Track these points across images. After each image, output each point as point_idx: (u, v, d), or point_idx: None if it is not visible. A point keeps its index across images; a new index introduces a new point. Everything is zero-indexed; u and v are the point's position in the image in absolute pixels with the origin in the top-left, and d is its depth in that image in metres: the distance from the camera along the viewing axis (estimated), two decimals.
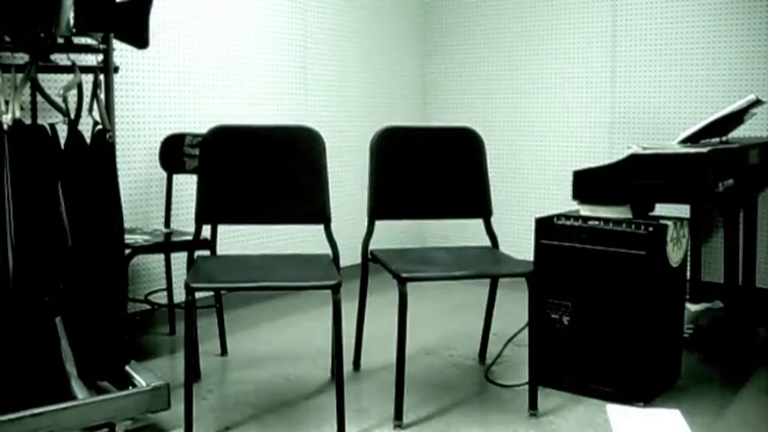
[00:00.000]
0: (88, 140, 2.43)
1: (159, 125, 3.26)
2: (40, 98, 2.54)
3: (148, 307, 3.21)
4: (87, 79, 2.50)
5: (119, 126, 3.13)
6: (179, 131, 3.13)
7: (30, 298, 2.29)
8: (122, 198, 3.15)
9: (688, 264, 2.77)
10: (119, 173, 3.11)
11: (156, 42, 3.24)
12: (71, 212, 2.36)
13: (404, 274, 2.29)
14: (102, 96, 2.45)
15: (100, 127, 2.41)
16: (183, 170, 3.05)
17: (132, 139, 3.20)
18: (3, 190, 2.24)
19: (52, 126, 2.36)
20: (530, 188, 4.33)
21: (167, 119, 3.32)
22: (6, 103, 2.27)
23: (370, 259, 2.61)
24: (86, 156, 2.41)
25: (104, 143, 2.41)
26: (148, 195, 3.27)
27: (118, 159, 3.13)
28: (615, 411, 2.41)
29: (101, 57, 2.47)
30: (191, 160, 3.02)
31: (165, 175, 3.10)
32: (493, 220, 2.76)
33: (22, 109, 2.34)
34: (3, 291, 2.24)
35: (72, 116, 2.44)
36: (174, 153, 3.06)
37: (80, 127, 2.42)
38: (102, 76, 2.47)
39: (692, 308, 3.19)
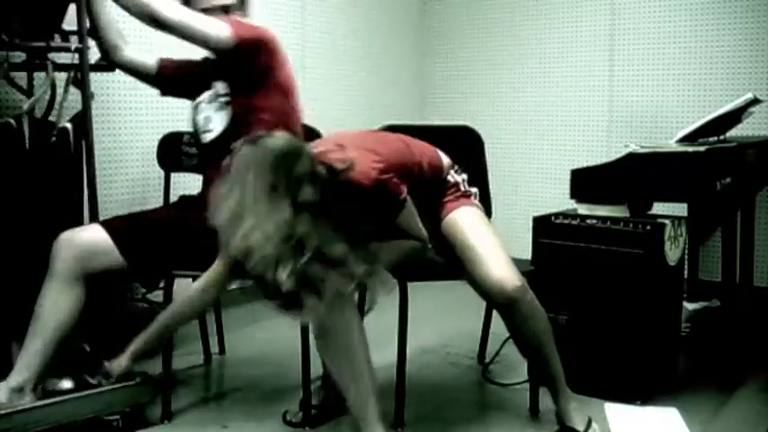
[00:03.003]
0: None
1: (156, 123, 3.25)
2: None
3: (146, 305, 3.20)
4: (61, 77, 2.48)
5: (116, 124, 3.13)
6: (176, 130, 3.12)
7: (12, 293, 2.28)
8: (120, 196, 3.15)
9: (686, 262, 2.78)
10: (117, 171, 3.11)
11: (153, 40, 3.23)
12: (41, 208, 2.34)
13: (404, 274, 2.28)
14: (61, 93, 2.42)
15: (63, 124, 2.39)
16: (180, 168, 3.04)
17: (129, 138, 3.20)
18: None
19: (18, 119, 2.33)
20: (527, 187, 4.33)
21: (164, 117, 3.31)
22: None
23: None
24: (50, 152, 2.37)
25: (67, 140, 2.38)
26: (146, 194, 3.27)
27: (116, 158, 3.13)
28: (613, 410, 2.42)
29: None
30: (188, 159, 3.01)
31: (162, 173, 3.09)
32: (491, 219, 2.75)
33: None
34: None
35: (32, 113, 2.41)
36: (171, 151, 3.04)
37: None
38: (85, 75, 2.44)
39: (689, 306, 3.20)
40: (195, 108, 2.48)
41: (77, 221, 2.40)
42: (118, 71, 2.64)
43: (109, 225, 2.22)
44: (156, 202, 3.22)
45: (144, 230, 2.26)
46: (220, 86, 2.40)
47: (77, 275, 2.14)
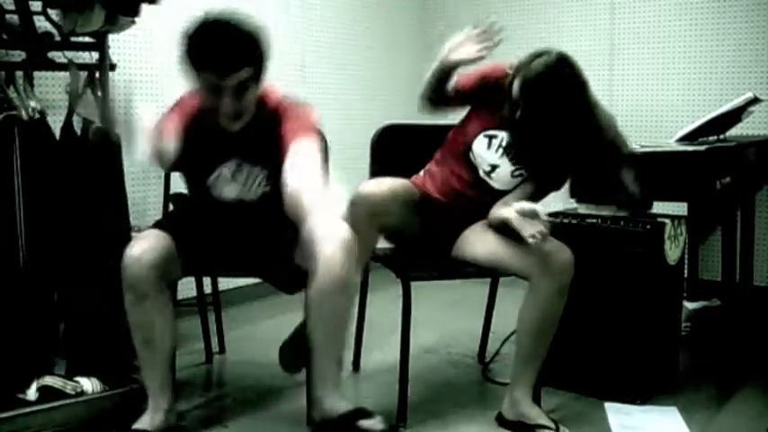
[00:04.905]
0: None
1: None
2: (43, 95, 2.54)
3: None
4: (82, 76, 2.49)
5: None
6: None
7: (39, 292, 2.27)
8: None
9: (686, 262, 2.78)
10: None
11: (153, 39, 3.23)
12: (72, 210, 2.35)
13: (408, 273, 2.28)
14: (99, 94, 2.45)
15: (98, 125, 2.40)
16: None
17: None
18: (12, 183, 2.23)
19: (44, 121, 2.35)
20: None
21: None
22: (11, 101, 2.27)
23: (372, 257, 2.59)
24: (87, 153, 2.39)
25: (110, 142, 2.39)
26: (146, 192, 3.27)
27: None
28: (613, 409, 2.42)
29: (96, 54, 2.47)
30: None
31: (162, 172, 3.09)
32: None
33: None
34: (13, 283, 2.22)
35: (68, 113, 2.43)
36: None
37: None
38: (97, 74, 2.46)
39: (689, 306, 3.20)
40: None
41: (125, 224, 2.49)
42: (117, 69, 2.64)
43: (169, 230, 2.13)
44: (156, 201, 3.23)
45: (196, 236, 2.21)
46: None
47: (165, 288, 2.08)
